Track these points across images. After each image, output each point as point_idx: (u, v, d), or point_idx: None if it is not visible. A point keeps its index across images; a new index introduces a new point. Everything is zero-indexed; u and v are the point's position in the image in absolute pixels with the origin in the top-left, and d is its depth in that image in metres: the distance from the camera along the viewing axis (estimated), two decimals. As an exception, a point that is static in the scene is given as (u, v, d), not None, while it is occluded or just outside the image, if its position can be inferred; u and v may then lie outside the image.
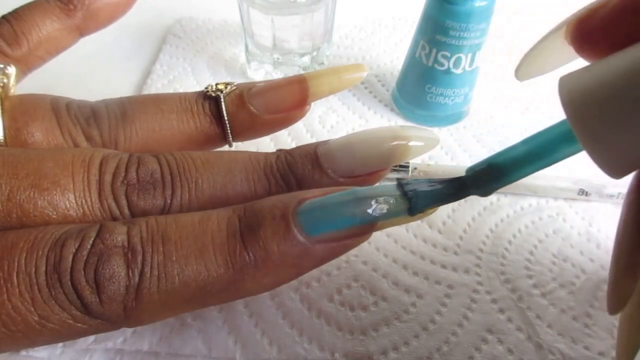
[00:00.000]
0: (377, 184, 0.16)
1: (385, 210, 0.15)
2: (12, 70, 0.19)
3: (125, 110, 0.19)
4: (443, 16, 0.27)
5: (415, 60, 0.30)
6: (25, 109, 0.18)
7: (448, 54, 0.28)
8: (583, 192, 0.27)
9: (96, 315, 0.14)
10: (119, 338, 0.22)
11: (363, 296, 0.23)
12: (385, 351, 0.22)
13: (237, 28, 0.39)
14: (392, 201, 0.15)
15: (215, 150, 0.19)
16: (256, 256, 0.15)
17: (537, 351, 0.22)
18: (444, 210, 0.27)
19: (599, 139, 0.12)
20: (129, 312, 0.14)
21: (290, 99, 0.21)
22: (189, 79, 0.35)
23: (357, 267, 0.24)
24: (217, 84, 0.21)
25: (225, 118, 0.20)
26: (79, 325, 0.14)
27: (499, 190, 0.28)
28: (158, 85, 0.34)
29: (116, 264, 0.14)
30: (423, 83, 0.30)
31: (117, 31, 0.40)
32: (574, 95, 0.12)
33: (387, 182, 0.25)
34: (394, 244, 0.26)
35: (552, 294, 0.24)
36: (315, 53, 0.34)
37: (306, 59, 0.34)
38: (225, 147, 0.22)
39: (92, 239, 0.14)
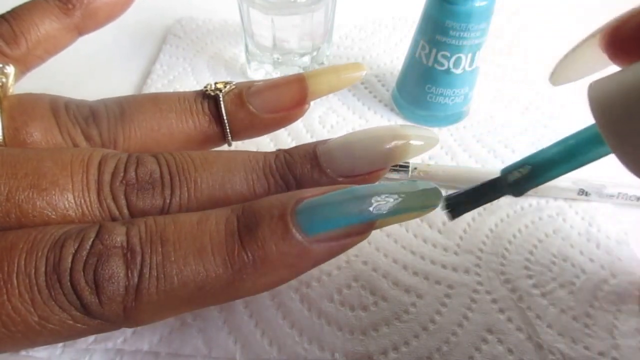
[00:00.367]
0: (377, 183, 0.16)
1: (384, 209, 0.15)
2: (10, 69, 0.19)
3: (124, 110, 0.20)
4: (443, 16, 0.27)
5: (415, 60, 0.30)
6: (24, 109, 0.18)
7: (448, 54, 0.28)
8: (583, 192, 0.27)
9: (96, 315, 0.14)
10: (119, 338, 0.22)
11: (363, 296, 0.23)
12: (385, 351, 0.22)
13: (237, 28, 0.39)
14: (391, 199, 0.15)
15: (214, 150, 0.20)
16: (255, 256, 0.15)
17: (537, 351, 0.22)
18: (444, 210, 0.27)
19: (626, 142, 0.12)
20: (129, 312, 0.14)
21: (289, 98, 0.21)
22: (189, 79, 0.35)
23: (357, 267, 0.24)
24: (216, 83, 0.21)
25: (225, 117, 0.20)
26: (78, 325, 0.14)
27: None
28: (158, 85, 0.34)
29: (115, 265, 0.14)
30: (423, 83, 0.30)
31: (117, 31, 0.40)
32: (602, 100, 0.13)
33: (385, 182, 0.25)
34: (394, 244, 0.26)
35: (552, 294, 0.24)
36: (315, 53, 0.34)
37: (306, 59, 0.34)
38: (225, 147, 0.22)
39: (92, 239, 0.14)
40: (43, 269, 0.14)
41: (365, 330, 0.22)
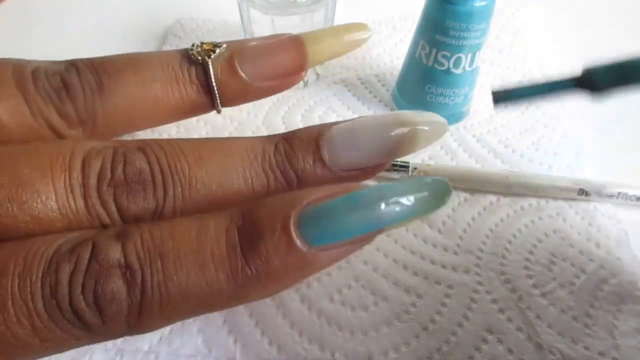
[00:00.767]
0: (382, 184, 0.15)
1: (393, 216, 0.14)
2: None
3: (102, 80, 0.17)
4: (443, 16, 0.27)
5: (415, 60, 0.30)
6: None
7: (448, 54, 0.28)
8: (583, 192, 0.27)
9: (98, 333, 0.14)
10: (119, 338, 0.22)
11: (363, 296, 0.23)
12: (386, 351, 0.22)
13: (237, 28, 0.39)
14: (400, 206, 0.14)
15: (208, 140, 0.17)
16: (259, 270, 0.14)
17: (537, 351, 0.22)
18: (444, 210, 0.27)
19: None
20: (132, 327, 0.14)
21: (286, 65, 0.19)
22: (189, 79, 0.35)
23: (357, 267, 0.24)
24: (202, 44, 0.19)
25: (215, 87, 0.18)
26: (82, 342, 0.14)
27: (498, 191, 0.28)
28: (158, 85, 0.34)
29: (115, 285, 0.13)
30: (423, 83, 0.30)
31: (117, 31, 0.40)
32: None
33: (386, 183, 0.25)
34: (394, 244, 0.26)
35: (552, 294, 0.24)
36: (315, 53, 0.34)
37: (306, 59, 0.34)
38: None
39: (87, 259, 0.14)
40: (40, 294, 0.13)
41: (365, 330, 0.22)
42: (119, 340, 0.21)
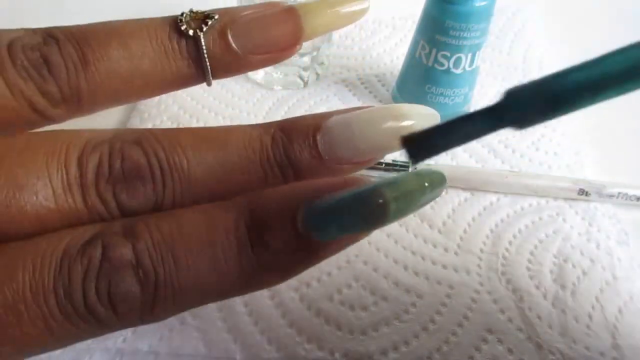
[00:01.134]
0: (385, 180, 0.15)
1: (399, 214, 0.14)
2: None
3: (85, 55, 0.16)
4: (443, 16, 0.27)
5: (415, 60, 0.30)
6: None
7: (448, 54, 0.28)
8: (583, 192, 0.27)
9: (112, 327, 0.14)
10: (119, 338, 0.22)
11: (363, 296, 0.23)
12: (385, 351, 0.22)
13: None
14: (406, 205, 0.14)
15: (205, 130, 0.17)
16: (268, 263, 0.15)
17: (537, 351, 0.22)
18: (444, 210, 0.27)
19: None
20: (145, 320, 0.14)
21: (280, 38, 0.18)
22: (189, 78, 0.35)
23: (357, 267, 0.24)
24: (192, 13, 0.18)
25: (207, 61, 0.18)
26: (94, 335, 0.14)
27: (499, 191, 0.28)
28: (158, 85, 0.34)
29: (129, 284, 0.14)
30: (423, 83, 0.30)
31: (117, 31, 0.40)
32: None
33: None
34: (395, 244, 0.26)
35: (552, 294, 0.24)
36: (315, 53, 0.34)
37: (306, 59, 0.34)
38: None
39: (98, 259, 0.14)
40: (53, 297, 0.13)
41: (365, 330, 0.22)
42: (119, 340, 0.22)
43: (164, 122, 0.32)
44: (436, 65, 0.29)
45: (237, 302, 0.23)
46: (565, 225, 0.26)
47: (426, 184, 0.14)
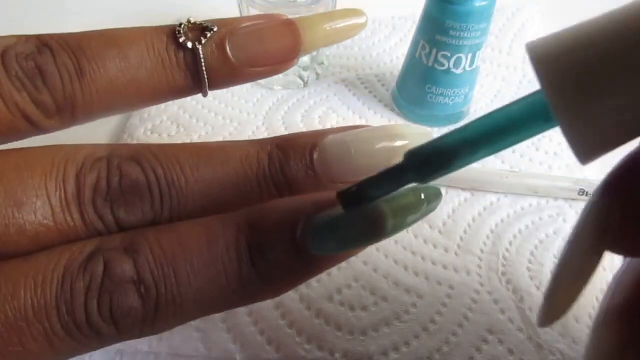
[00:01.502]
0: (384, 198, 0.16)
1: (398, 230, 0.15)
2: None
3: (81, 65, 0.16)
4: (443, 16, 0.27)
5: (416, 60, 0.30)
6: None
7: (448, 54, 0.28)
8: (583, 192, 0.27)
9: (113, 341, 0.14)
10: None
11: (363, 296, 0.23)
12: (386, 351, 0.22)
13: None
14: (403, 215, 0.15)
15: (203, 148, 0.17)
16: (268, 278, 0.15)
17: (538, 351, 0.22)
18: (444, 211, 0.27)
19: (578, 112, 0.10)
20: (146, 333, 0.15)
21: (279, 53, 0.18)
22: (189, 79, 0.35)
23: (357, 268, 0.24)
24: (190, 24, 0.18)
25: (204, 73, 0.17)
26: (96, 348, 0.14)
27: (499, 191, 0.28)
28: (158, 85, 0.34)
29: (131, 299, 0.14)
30: (423, 83, 0.30)
31: (117, 31, 0.40)
32: (550, 60, 0.11)
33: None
34: (395, 244, 0.26)
35: (552, 294, 0.24)
36: (315, 53, 0.34)
37: (306, 59, 0.34)
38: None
39: (100, 276, 0.14)
40: (56, 314, 0.13)
41: (365, 330, 0.22)
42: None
43: (164, 122, 0.32)
44: (436, 66, 0.29)
45: (237, 303, 0.23)
46: (565, 226, 0.26)
47: (423, 198, 0.15)
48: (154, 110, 0.33)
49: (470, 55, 0.28)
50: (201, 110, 0.33)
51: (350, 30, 0.19)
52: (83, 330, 0.14)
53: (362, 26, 0.19)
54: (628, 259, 0.15)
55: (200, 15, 0.44)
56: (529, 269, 0.24)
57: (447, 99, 0.30)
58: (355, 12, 0.19)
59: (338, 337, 0.22)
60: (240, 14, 0.32)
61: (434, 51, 0.28)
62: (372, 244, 0.15)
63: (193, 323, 0.22)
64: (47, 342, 0.13)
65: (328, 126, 0.32)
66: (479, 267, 0.25)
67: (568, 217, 0.27)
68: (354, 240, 0.15)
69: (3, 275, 0.14)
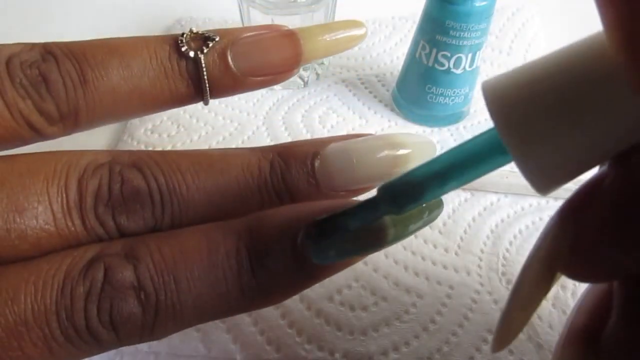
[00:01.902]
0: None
1: (395, 238, 0.15)
2: None
3: (84, 73, 0.16)
4: (443, 16, 0.27)
5: (416, 60, 0.30)
6: None
7: (448, 54, 0.28)
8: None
9: (112, 346, 0.14)
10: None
11: (363, 296, 0.23)
12: (386, 351, 0.22)
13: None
14: (403, 228, 0.15)
15: (204, 155, 0.17)
16: (268, 286, 0.15)
17: (538, 351, 0.22)
18: (444, 211, 0.27)
19: (529, 148, 0.11)
20: (145, 340, 0.15)
21: (280, 63, 0.18)
22: (189, 79, 0.35)
23: (357, 268, 0.24)
24: (192, 33, 0.18)
25: (206, 82, 0.18)
26: (95, 353, 0.15)
27: (499, 191, 0.28)
28: (158, 85, 0.34)
29: (131, 306, 0.14)
30: (423, 83, 0.30)
31: (117, 31, 0.40)
32: (501, 98, 0.11)
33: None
34: (395, 244, 0.25)
35: (553, 294, 0.24)
36: (315, 53, 0.34)
37: (306, 59, 0.34)
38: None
39: (100, 282, 0.14)
40: (55, 319, 0.13)
41: (365, 330, 0.22)
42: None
43: (164, 122, 0.32)
44: (436, 65, 0.29)
45: (237, 303, 0.23)
46: (565, 226, 0.26)
47: (424, 207, 0.15)
48: (154, 110, 0.33)
49: (470, 55, 0.28)
50: (201, 110, 0.33)
51: (349, 41, 0.19)
52: (82, 336, 0.14)
53: (362, 37, 0.20)
54: None
55: (200, 15, 0.44)
56: (529, 269, 0.25)
57: (447, 99, 0.30)
58: (354, 23, 0.20)
59: (338, 337, 0.22)
60: (240, 14, 0.32)
61: (434, 51, 0.28)
62: (372, 252, 0.15)
63: (193, 323, 0.22)
64: (46, 347, 0.13)
65: (328, 126, 0.32)
66: (479, 267, 0.25)
67: (568, 217, 0.27)
68: (355, 249, 0.15)
69: (4, 280, 0.14)
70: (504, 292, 0.24)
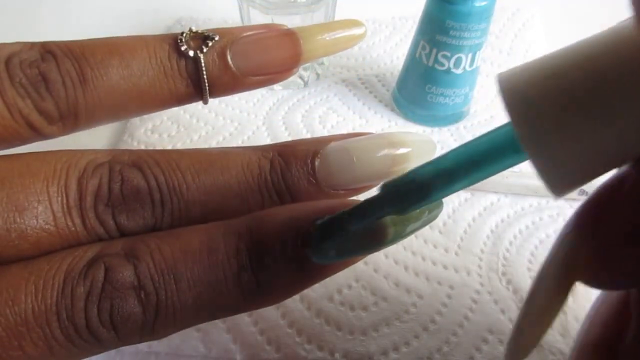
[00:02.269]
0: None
1: (396, 237, 0.15)
2: None
3: (84, 72, 0.16)
4: (443, 16, 0.27)
5: (416, 60, 0.30)
6: None
7: (448, 54, 0.28)
8: (583, 192, 0.27)
9: (113, 346, 0.14)
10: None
11: (363, 296, 0.23)
12: (386, 351, 0.22)
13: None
14: (404, 227, 0.15)
15: (204, 154, 0.17)
16: (268, 286, 0.15)
17: (538, 351, 0.22)
18: (444, 211, 0.27)
19: (546, 145, 0.10)
20: (145, 340, 0.15)
21: (279, 62, 0.18)
22: (189, 79, 0.35)
23: (357, 268, 0.24)
24: (191, 32, 0.18)
25: (206, 82, 0.18)
26: (95, 353, 0.15)
27: (499, 191, 0.28)
28: (158, 85, 0.34)
29: (131, 305, 0.14)
30: (423, 83, 0.30)
31: (117, 31, 0.40)
32: (518, 92, 0.10)
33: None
34: (395, 244, 0.25)
35: (552, 294, 0.24)
36: (315, 53, 0.34)
37: (306, 59, 0.34)
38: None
39: (100, 282, 0.14)
40: (56, 319, 0.13)
41: (365, 330, 0.22)
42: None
43: (164, 122, 0.32)
44: (436, 65, 0.29)
45: (237, 303, 0.23)
46: (565, 226, 0.26)
47: (424, 207, 0.15)
48: (154, 110, 0.33)
49: (470, 55, 0.28)
50: (201, 110, 0.33)
51: (349, 40, 0.19)
52: (83, 336, 0.14)
53: (361, 37, 0.20)
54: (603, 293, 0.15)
55: (201, 15, 0.44)
56: (529, 269, 0.24)
57: (447, 99, 0.30)
58: (354, 23, 0.20)
59: (338, 337, 0.22)
60: (240, 14, 0.32)
61: (434, 51, 0.28)
62: (372, 252, 0.15)
63: (193, 323, 0.22)
64: (46, 347, 0.13)
65: (328, 126, 0.32)
66: (479, 267, 0.25)
67: (568, 217, 0.27)
68: (355, 249, 0.15)
69: (4, 280, 0.14)
70: (504, 292, 0.24)
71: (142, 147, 0.31)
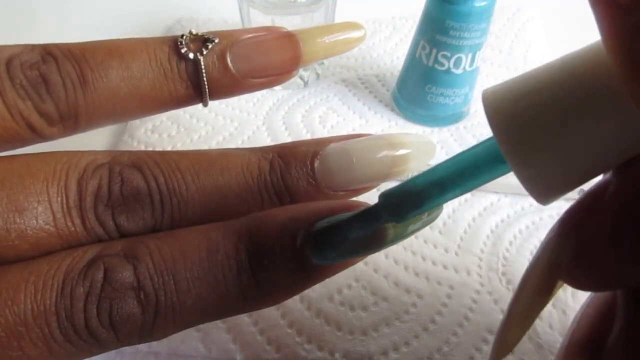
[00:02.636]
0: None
1: (396, 238, 0.15)
2: None
3: (84, 74, 0.16)
4: (443, 16, 0.27)
5: (416, 61, 0.30)
6: None
7: (448, 54, 0.28)
8: (583, 192, 0.27)
9: (112, 347, 0.14)
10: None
11: (363, 296, 0.23)
12: (386, 351, 0.22)
13: (237, 28, 0.39)
14: (404, 229, 0.15)
15: (204, 155, 0.17)
16: (268, 287, 0.15)
17: (538, 351, 0.22)
18: (444, 211, 0.27)
19: (528, 157, 0.11)
20: (145, 340, 0.15)
21: (279, 65, 0.18)
22: (189, 79, 0.35)
23: (357, 268, 0.24)
24: (191, 35, 0.18)
25: (205, 84, 0.18)
26: (94, 353, 0.15)
27: (499, 191, 0.28)
28: (158, 86, 0.34)
29: (131, 306, 0.14)
30: (423, 83, 0.30)
31: (117, 31, 0.40)
32: (500, 108, 0.11)
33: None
34: (395, 245, 0.25)
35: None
36: (315, 53, 0.34)
37: (306, 59, 0.34)
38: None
39: (100, 282, 0.14)
40: (55, 320, 0.13)
41: (365, 330, 0.22)
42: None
43: (164, 122, 0.32)
44: (436, 66, 0.29)
45: (237, 303, 0.23)
46: (565, 226, 0.26)
47: (425, 218, 0.15)
48: (154, 110, 0.33)
49: (470, 55, 0.28)
50: (201, 111, 0.33)
51: (348, 43, 0.19)
52: (82, 336, 0.14)
53: (360, 39, 0.20)
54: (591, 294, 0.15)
55: (201, 15, 0.44)
56: (529, 269, 0.25)
57: (447, 99, 0.30)
58: (353, 25, 0.20)
59: (338, 337, 0.22)
60: (240, 14, 0.32)
61: (434, 51, 0.28)
62: (372, 253, 0.15)
63: (193, 323, 0.22)
64: (46, 347, 0.14)
65: (328, 126, 0.32)
66: (479, 267, 0.25)
67: (568, 217, 0.27)
68: (354, 250, 0.15)
69: (4, 280, 0.14)
70: (504, 292, 0.24)
71: (142, 147, 0.31)
